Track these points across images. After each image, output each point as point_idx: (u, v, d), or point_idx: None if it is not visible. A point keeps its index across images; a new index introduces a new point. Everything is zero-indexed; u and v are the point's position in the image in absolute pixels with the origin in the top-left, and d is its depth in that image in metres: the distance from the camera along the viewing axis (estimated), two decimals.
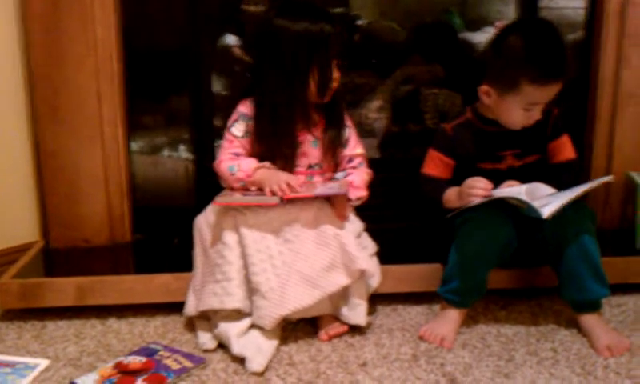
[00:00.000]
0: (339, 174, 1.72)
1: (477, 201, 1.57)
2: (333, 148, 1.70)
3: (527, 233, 1.59)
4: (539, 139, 1.71)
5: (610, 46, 1.93)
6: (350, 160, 1.73)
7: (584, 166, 1.99)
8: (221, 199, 1.57)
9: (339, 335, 1.59)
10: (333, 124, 1.70)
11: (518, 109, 1.61)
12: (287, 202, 1.55)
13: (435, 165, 1.74)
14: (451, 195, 1.68)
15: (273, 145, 1.65)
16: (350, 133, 1.74)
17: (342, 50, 1.63)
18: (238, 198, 1.56)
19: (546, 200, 1.53)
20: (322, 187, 1.59)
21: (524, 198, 1.50)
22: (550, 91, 1.60)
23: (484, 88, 1.66)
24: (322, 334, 1.59)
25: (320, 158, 1.70)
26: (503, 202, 1.56)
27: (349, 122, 1.74)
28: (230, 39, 2.16)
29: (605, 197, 1.99)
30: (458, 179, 1.69)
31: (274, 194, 1.55)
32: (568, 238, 1.55)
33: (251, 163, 1.62)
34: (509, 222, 1.58)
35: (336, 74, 1.64)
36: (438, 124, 2.26)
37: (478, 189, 1.58)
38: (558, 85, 1.60)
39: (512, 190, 1.56)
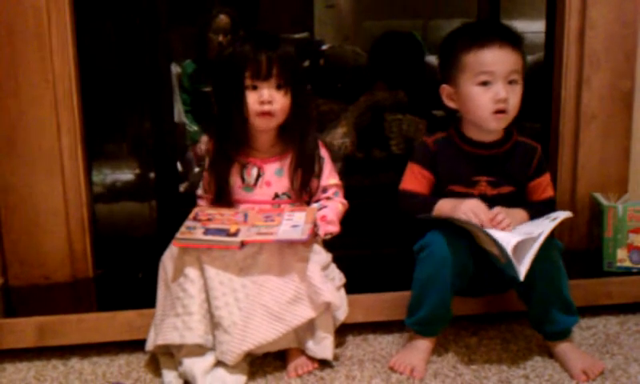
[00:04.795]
0: (314, 205, 1.68)
1: (464, 218, 1.52)
2: (299, 177, 1.67)
3: (489, 261, 1.56)
4: (518, 174, 1.67)
5: (570, 69, 1.94)
6: (325, 190, 1.70)
7: None
8: (181, 237, 1.52)
9: (309, 372, 1.55)
10: (301, 153, 1.66)
11: (474, 88, 1.58)
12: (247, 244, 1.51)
13: (416, 179, 1.68)
14: (444, 206, 1.61)
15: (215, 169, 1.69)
16: (325, 163, 1.70)
17: (281, 74, 1.59)
18: (198, 237, 1.51)
19: (520, 249, 1.46)
20: (284, 226, 1.55)
21: (510, 253, 1.42)
22: (492, 55, 1.56)
23: (443, 91, 1.66)
24: (291, 371, 1.55)
25: (287, 188, 1.67)
26: (463, 229, 1.54)
27: (323, 152, 1.71)
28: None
29: (571, 218, 1.98)
30: None
31: (235, 232, 1.52)
32: (535, 274, 1.47)
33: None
34: (464, 249, 1.54)
35: (269, 97, 1.59)
36: (403, 150, 2.27)
37: (478, 218, 1.52)
38: (500, 48, 1.56)
39: (503, 238, 1.45)
